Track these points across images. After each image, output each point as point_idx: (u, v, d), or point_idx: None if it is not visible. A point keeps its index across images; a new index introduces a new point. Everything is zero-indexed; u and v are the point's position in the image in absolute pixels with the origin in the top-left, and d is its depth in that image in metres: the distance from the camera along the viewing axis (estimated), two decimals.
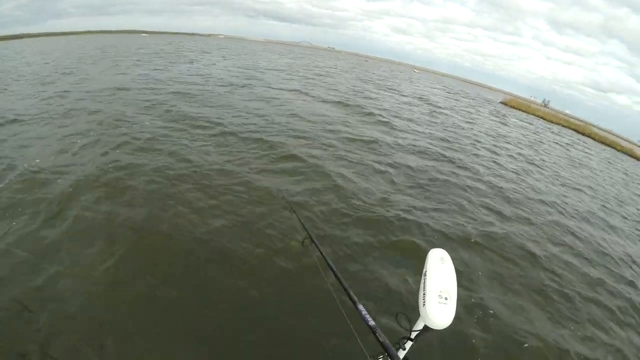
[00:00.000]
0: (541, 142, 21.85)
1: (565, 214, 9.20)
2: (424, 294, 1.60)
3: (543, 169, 13.80)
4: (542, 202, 9.59)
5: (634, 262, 7.60)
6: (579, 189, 12.36)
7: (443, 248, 1.83)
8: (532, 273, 5.90)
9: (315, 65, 39.65)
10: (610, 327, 5.15)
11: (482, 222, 7.22)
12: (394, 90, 29.70)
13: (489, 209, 8.07)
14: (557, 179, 12.87)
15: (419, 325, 1.64)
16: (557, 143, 23.96)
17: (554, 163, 15.87)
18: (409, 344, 1.71)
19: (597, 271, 6.65)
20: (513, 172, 12.04)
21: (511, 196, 9.30)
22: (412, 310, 1.70)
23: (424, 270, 1.71)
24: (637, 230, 9.95)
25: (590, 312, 5.38)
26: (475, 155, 12.98)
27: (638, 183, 18.52)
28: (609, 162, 24.08)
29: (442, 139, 14.11)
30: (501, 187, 9.81)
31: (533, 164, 14.24)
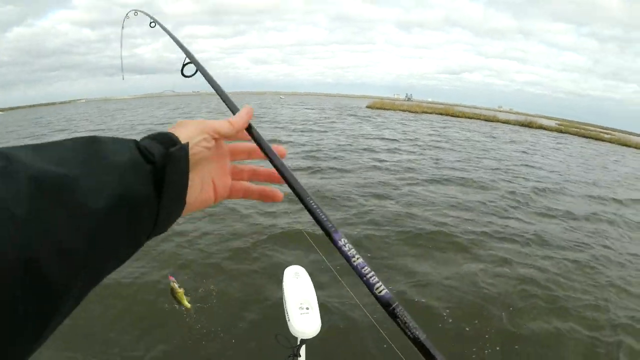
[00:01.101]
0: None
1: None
2: (286, 310, 1.63)
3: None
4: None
5: None
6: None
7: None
8: None
9: (166, 118, 29.93)
10: None
11: None
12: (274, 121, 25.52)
13: None
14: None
15: (297, 341, 1.66)
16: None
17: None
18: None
19: None
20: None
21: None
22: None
23: (282, 289, 1.74)
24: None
25: None
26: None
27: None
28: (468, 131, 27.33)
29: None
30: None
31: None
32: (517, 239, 6.57)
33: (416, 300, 4.46)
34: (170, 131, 0.42)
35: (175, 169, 0.38)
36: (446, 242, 6.13)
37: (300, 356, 1.69)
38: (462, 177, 11.04)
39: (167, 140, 0.39)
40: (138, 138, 0.39)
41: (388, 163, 12.45)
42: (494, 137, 25.26)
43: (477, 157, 15.29)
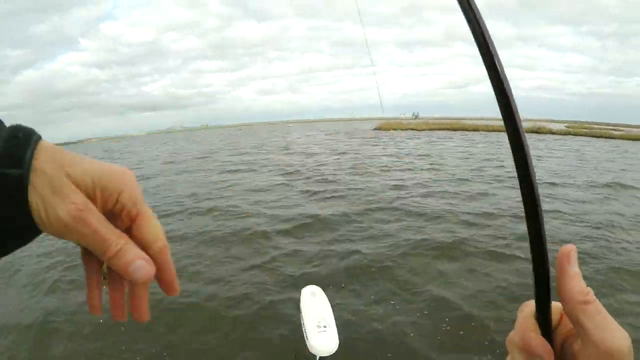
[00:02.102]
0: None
1: None
2: (304, 330, 1.71)
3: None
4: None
5: None
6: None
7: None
8: None
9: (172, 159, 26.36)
10: None
11: None
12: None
13: None
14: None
15: (313, 359, 1.64)
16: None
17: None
18: None
19: None
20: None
21: None
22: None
23: (300, 308, 1.82)
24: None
25: None
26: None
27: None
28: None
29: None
30: None
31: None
32: None
33: None
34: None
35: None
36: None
37: None
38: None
39: (14, 154, 0.31)
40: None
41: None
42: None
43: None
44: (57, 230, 0.32)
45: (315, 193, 11.59)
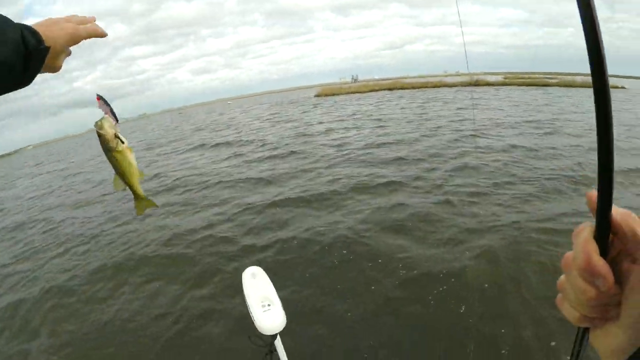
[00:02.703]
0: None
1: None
2: (250, 311, 1.66)
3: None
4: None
5: None
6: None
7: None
8: None
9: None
10: None
11: None
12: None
13: None
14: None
15: (268, 338, 1.69)
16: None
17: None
18: (277, 355, 1.74)
19: None
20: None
21: None
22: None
23: (243, 292, 1.78)
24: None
25: None
26: None
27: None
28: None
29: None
30: None
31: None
32: None
33: None
34: (42, 29, 0.67)
35: (37, 57, 0.65)
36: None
37: (275, 351, 1.71)
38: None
39: (37, 39, 0.65)
40: None
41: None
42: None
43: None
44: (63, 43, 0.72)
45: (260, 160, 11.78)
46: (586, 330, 0.45)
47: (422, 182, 7.48)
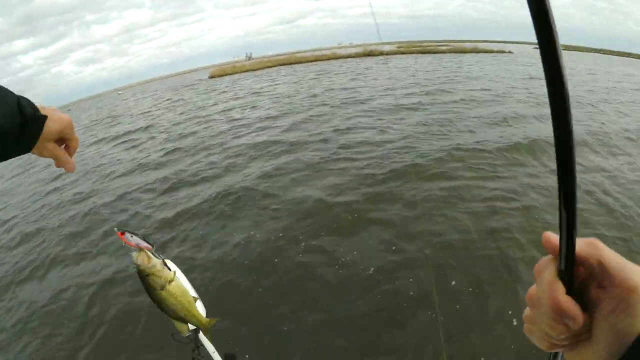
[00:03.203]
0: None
1: None
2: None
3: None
4: None
5: None
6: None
7: None
8: None
9: None
10: None
11: None
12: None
13: None
14: None
15: (191, 334, 1.63)
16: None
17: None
18: (205, 349, 1.76)
19: None
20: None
21: None
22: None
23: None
24: None
25: None
26: None
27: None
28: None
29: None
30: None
31: None
32: None
33: None
34: (40, 106, 0.66)
35: (33, 124, 0.64)
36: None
37: (202, 345, 1.69)
38: None
39: (34, 108, 0.64)
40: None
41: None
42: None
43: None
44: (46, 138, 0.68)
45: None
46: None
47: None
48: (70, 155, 0.75)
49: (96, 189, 8.02)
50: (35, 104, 0.66)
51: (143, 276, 0.84)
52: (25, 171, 11.66)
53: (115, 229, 0.86)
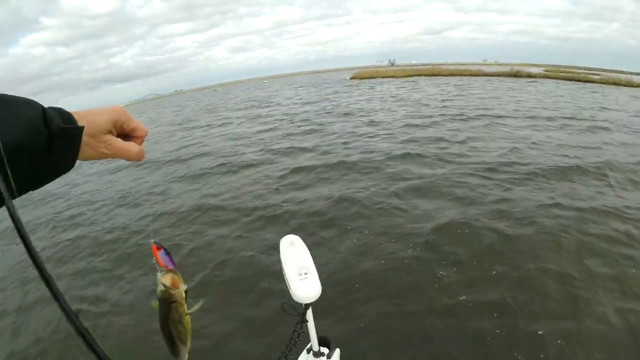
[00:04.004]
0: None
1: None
2: (287, 279, 1.68)
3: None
4: None
5: None
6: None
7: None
8: None
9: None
10: None
11: None
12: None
13: None
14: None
15: (301, 307, 1.70)
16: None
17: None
18: (307, 326, 1.77)
19: None
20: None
21: None
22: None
23: (280, 260, 1.78)
24: None
25: None
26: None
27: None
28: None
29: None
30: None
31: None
32: None
33: None
34: (79, 113, 0.57)
35: (64, 136, 0.52)
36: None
37: (307, 321, 1.74)
38: None
39: (66, 118, 0.54)
40: None
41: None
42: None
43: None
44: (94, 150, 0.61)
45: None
46: None
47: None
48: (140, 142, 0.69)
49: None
50: (73, 112, 0.56)
51: (167, 302, 0.67)
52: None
53: (153, 241, 0.70)
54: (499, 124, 12.00)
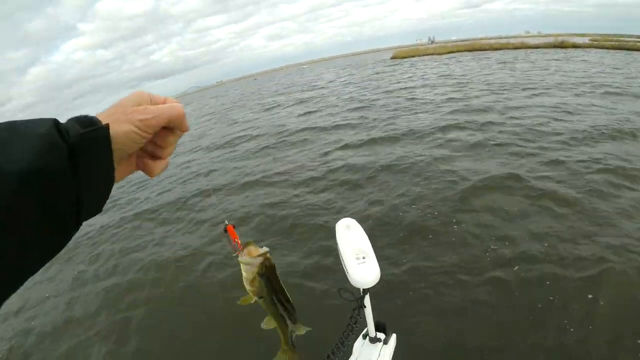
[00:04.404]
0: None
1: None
2: (344, 264, 1.65)
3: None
4: None
5: None
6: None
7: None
8: None
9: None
10: None
11: None
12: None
13: None
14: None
15: (359, 292, 1.66)
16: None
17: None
18: (364, 311, 1.75)
19: None
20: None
21: None
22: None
23: (337, 244, 1.75)
24: None
25: None
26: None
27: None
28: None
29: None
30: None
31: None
32: None
33: None
34: (102, 114, 0.47)
35: (91, 149, 0.42)
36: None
37: (365, 306, 1.72)
38: None
39: (86, 122, 0.43)
40: None
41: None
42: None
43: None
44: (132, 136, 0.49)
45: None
46: None
47: None
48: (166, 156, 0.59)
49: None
50: (97, 114, 0.48)
51: (271, 268, 0.68)
52: None
53: (226, 222, 0.72)
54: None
